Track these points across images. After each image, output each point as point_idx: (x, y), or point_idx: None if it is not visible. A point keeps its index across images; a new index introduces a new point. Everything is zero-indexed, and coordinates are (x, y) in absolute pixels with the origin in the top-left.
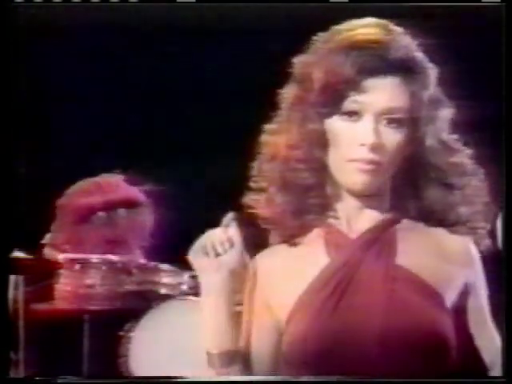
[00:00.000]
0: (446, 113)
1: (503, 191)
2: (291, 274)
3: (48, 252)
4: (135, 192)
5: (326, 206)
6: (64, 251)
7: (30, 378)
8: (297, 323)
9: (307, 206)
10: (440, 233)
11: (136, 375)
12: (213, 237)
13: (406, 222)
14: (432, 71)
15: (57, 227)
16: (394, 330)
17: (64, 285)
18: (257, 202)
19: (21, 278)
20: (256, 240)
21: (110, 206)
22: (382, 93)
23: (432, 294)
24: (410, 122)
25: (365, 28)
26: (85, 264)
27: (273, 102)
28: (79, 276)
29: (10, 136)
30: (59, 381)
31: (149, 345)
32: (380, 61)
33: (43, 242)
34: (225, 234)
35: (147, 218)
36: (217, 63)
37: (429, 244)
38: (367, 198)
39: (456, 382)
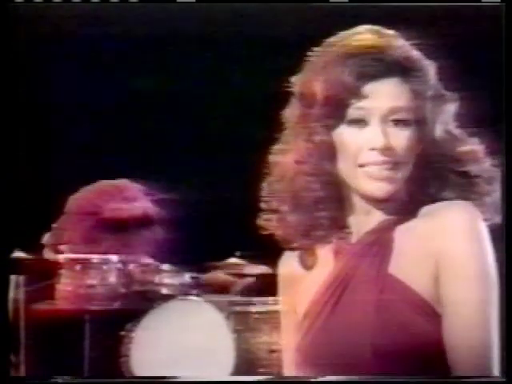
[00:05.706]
0: (451, 106)
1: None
2: (305, 278)
3: (48, 252)
4: (152, 208)
5: (338, 220)
6: (64, 250)
7: (31, 377)
8: (305, 330)
9: (319, 223)
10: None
11: (137, 375)
12: None
13: (408, 224)
14: (430, 67)
15: (62, 223)
16: (383, 340)
17: (65, 285)
18: (269, 222)
19: (21, 277)
20: None
21: (127, 217)
22: (383, 95)
23: (422, 306)
24: (416, 120)
25: (357, 35)
26: (85, 264)
27: (277, 121)
28: (80, 276)
29: (11, 137)
30: (60, 381)
31: (150, 345)
32: (377, 64)
33: (44, 241)
34: None
35: (157, 234)
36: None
37: (427, 249)
38: (379, 201)
39: (456, 382)
